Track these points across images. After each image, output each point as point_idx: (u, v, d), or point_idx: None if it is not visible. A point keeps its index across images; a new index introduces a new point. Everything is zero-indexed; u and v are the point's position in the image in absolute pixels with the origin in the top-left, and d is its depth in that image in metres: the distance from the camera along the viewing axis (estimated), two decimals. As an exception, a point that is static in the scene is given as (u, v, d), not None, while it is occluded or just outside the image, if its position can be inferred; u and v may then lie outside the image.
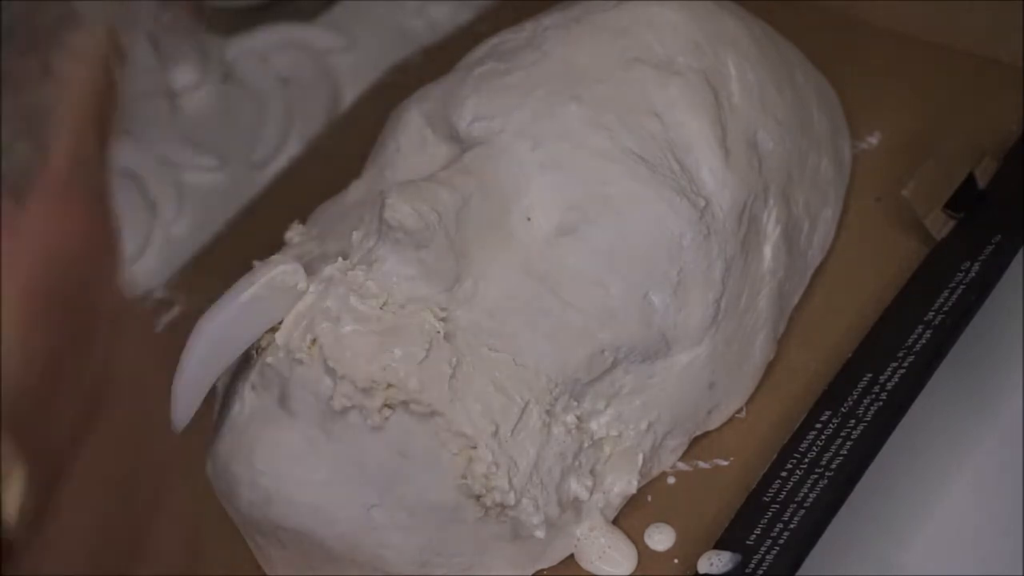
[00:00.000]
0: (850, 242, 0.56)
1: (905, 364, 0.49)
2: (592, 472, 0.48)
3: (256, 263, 0.47)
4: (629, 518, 0.49)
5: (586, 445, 0.48)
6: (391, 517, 0.46)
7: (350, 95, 0.71)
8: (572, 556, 0.49)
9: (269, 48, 0.74)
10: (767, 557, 0.45)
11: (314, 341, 0.45)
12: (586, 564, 0.49)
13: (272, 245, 0.51)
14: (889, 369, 0.49)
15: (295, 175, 0.66)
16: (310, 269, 0.46)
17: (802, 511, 0.46)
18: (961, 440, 0.52)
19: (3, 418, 0.24)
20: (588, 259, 0.48)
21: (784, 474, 0.47)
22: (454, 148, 0.51)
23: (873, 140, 0.59)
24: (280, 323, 0.46)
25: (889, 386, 0.48)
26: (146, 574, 0.28)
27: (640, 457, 0.49)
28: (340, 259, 0.46)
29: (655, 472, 0.50)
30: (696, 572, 0.46)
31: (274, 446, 0.47)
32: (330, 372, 0.45)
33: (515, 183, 0.48)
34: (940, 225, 0.54)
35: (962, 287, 0.50)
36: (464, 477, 0.45)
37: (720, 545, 0.46)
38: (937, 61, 0.61)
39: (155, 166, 0.70)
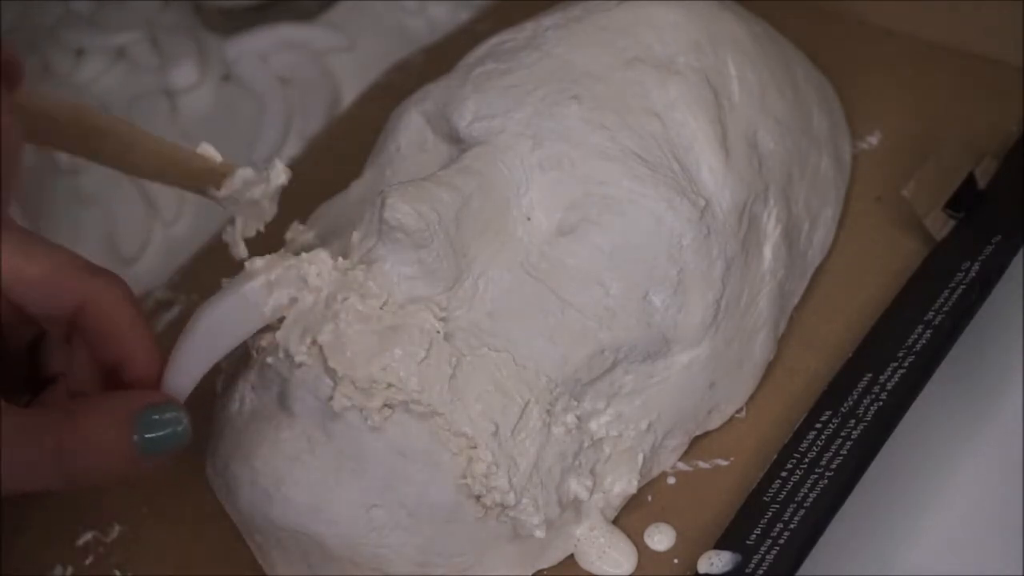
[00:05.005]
0: (850, 242, 0.56)
1: (905, 364, 0.49)
2: (592, 472, 0.48)
3: (257, 259, 0.46)
4: (629, 518, 0.49)
5: (586, 445, 0.48)
6: (391, 517, 0.46)
7: (350, 95, 0.71)
8: (572, 556, 0.49)
9: (269, 48, 0.74)
10: (767, 557, 0.45)
11: (314, 341, 0.45)
12: (586, 564, 0.49)
13: (272, 245, 0.51)
14: (889, 369, 0.49)
15: (295, 175, 0.66)
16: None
17: (802, 511, 0.46)
18: (961, 440, 0.52)
19: None
20: (588, 259, 0.48)
21: (784, 474, 0.47)
22: (454, 148, 0.51)
23: (873, 140, 0.59)
24: (280, 323, 0.46)
25: (889, 386, 0.48)
26: None
27: (640, 457, 0.49)
28: (340, 259, 0.46)
29: (655, 472, 0.50)
30: (696, 572, 0.46)
31: (274, 446, 0.47)
32: (330, 372, 0.45)
33: (515, 183, 0.48)
34: (940, 225, 0.54)
35: (962, 287, 0.50)
36: (464, 477, 0.45)
37: (720, 545, 0.46)
38: (937, 61, 0.61)
39: (155, 166, 0.70)
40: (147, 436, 0.41)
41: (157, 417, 0.41)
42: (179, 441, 0.41)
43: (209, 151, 0.47)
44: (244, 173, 0.46)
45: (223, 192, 0.46)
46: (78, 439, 0.40)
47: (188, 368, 0.44)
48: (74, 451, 0.40)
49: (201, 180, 0.47)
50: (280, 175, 0.47)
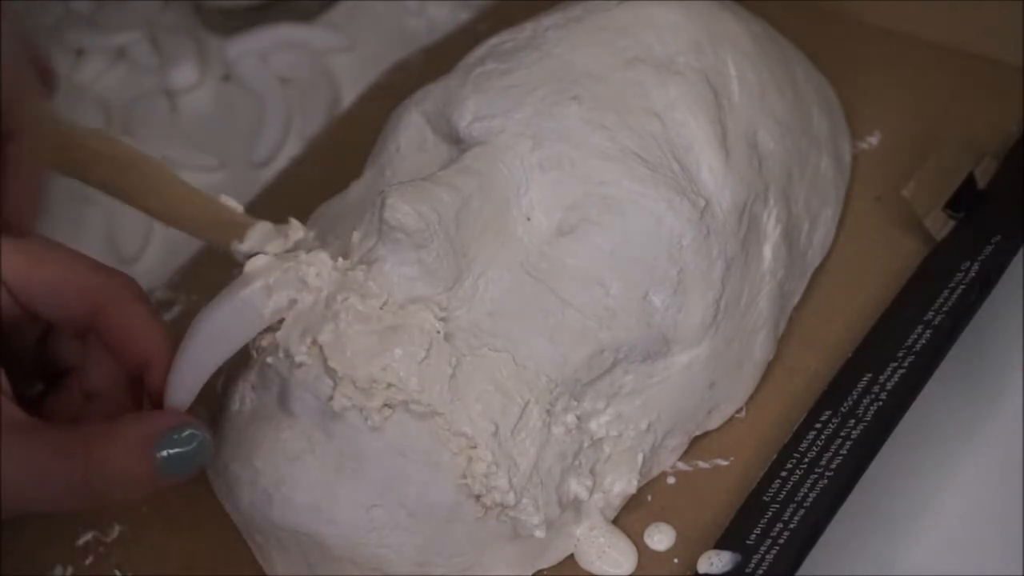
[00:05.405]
0: (850, 242, 0.56)
1: (905, 364, 0.49)
2: (592, 472, 0.48)
3: (255, 260, 0.47)
4: (629, 518, 0.49)
5: (586, 445, 0.48)
6: (391, 517, 0.46)
7: (350, 95, 0.71)
8: (572, 556, 0.49)
9: (269, 48, 0.74)
10: (767, 557, 0.45)
11: (314, 341, 0.45)
12: (586, 564, 0.49)
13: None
14: (889, 369, 0.49)
15: (295, 175, 0.66)
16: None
17: (802, 511, 0.46)
18: (961, 440, 0.52)
19: None
20: (588, 259, 0.48)
21: (784, 474, 0.47)
22: (454, 148, 0.51)
23: (873, 140, 0.59)
24: (280, 323, 0.46)
25: (889, 386, 0.48)
26: None
27: (640, 457, 0.49)
28: (340, 259, 0.46)
29: (655, 472, 0.50)
30: (696, 572, 0.46)
31: (274, 446, 0.47)
32: (330, 372, 0.45)
33: (515, 183, 0.48)
34: (940, 225, 0.54)
35: (962, 287, 0.50)
36: (464, 477, 0.45)
37: (720, 545, 0.46)
38: (937, 61, 0.61)
39: (155, 166, 0.70)
40: (170, 459, 0.41)
41: (177, 437, 0.41)
42: (203, 457, 0.42)
43: (231, 202, 0.48)
44: (263, 227, 0.47)
45: (246, 245, 0.47)
46: (98, 464, 0.40)
47: (190, 376, 0.44)
48: (98, 478, 0.40)
49: (224, 230, 0.47)
50: (298, 231, 0.47)
